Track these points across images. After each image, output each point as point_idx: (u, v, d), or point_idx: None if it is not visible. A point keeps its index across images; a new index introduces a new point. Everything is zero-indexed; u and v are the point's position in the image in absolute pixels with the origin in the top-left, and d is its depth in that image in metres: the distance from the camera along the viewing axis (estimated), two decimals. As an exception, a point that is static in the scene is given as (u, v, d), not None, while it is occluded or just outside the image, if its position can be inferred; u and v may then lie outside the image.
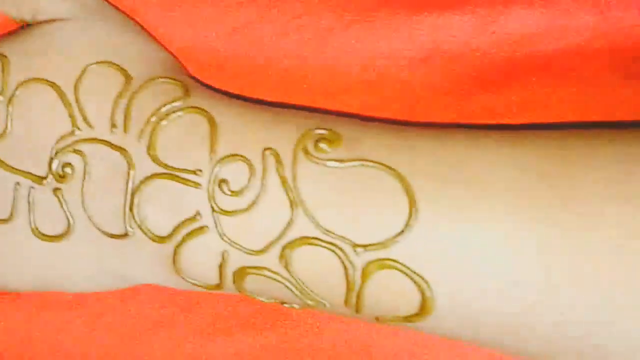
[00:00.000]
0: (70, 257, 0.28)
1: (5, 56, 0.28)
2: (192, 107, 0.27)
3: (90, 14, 0.29)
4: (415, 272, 0.24)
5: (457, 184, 0.24)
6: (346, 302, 0.25)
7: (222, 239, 0.25)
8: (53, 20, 0.28)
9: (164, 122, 0.26)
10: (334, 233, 0.24)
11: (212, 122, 0.26)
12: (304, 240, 0.25)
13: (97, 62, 0.27)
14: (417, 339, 0.30)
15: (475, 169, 0.24)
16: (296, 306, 0.26)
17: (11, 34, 0.29)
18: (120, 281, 0.28)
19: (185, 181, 0.26)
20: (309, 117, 0.27)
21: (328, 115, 0.27)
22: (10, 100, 0.27)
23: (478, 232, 0.23)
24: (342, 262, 0.24)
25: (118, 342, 0.31)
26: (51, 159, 0.27)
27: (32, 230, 0.27)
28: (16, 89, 0.27)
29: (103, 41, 0.28)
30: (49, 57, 0.28)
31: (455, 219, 0.24)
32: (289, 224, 0.25)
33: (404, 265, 0.24)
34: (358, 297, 0.25)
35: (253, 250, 0.25)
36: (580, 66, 0.29)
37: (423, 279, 0.24)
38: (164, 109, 0.26)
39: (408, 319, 0.25)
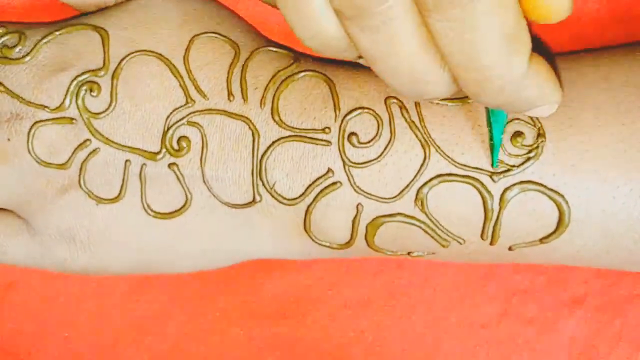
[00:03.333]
0: (184, 234, 0.27)
1: (105, 30, 0.27)
2: (307, 70, 0.27)
3: None
4: (551, 189, 0.25)
5: (567, 102, 0.26)
6: (482, 234, 0.26)
7: (356, 191, 0.26)
8: None
9: (283, 87, 0.27)
10: (469, 166, 0.25)
11: (329, 82, 0.27)
12: (439, 178, 0.26)
13: (203, 33, 0.27)
14: (425, 331, 0.31)
15: (577, 88, 0.26)
16: (423, 254, 0.27)
17: (104, 10, 0.28)
18: (232, 256, 0.28)
19: (314, 141, 0.26)
20: None
21: None
22: (114, 74, 0.27)
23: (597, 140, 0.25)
24: (480, 193, 0.26)
25: (128, 333, 0.31)
26: (164, 133, 0.26)
27: (144, 208, 0.27)
28: (120, 62, 0.27)
29: (200, 13, 0.28)
30: (152, 29, 0.27)
31: (573, 132, 0.25)
32: (423, 164, 0.26)
33: (541, 185, 0.25)
34: (495, 226, 0.26)
35: (388, 198, 0.26)
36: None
37: (559, 194, 0.25)
38: (280, 75, 0.27)
39: (544, 240, 0.26)
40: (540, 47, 0.23)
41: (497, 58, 0.20)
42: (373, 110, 0.26)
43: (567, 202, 0.25)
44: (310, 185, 0.26)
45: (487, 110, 0.25)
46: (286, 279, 0.31)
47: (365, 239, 0.27)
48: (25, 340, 0.31)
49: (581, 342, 0.31)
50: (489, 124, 0.25)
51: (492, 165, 0.25)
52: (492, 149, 0.25)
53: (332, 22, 0.21)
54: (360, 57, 0.23)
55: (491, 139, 0.25)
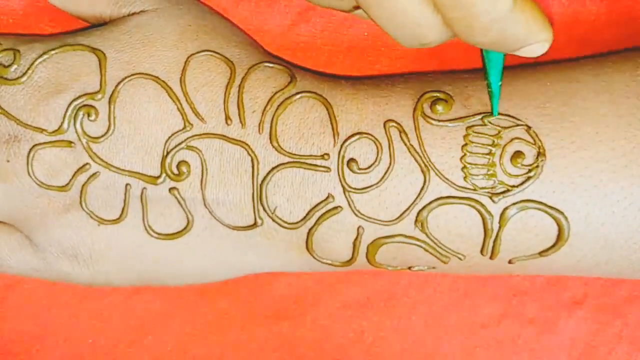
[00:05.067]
0: (186, 253, 0.27)
1: (102, 51, 0.27)
2: (304, 91, 0.27)
3: (174, 3, 0.28)
4: (551, 207, 0.25)
5: (568, 117, 0.26)
6: (482, 250, 0.26)
7: (357, 215, 0.26)
8: (140, 13, 0.28)
9: (280, 110, 0.26)
10: (468, 188, 0.25)
11: (327, 105, 0.27)
12: (439, 201, 0.26)
13: (199, 52, 0.27)
14: (425, 331, 0.31)
15: (578, 101, 0.26)
16: (424, 269, 0.27)
17: (100, 29, 0.28)
18: (234, 272, 0.29)
19: (313, 167, 0.26)
20: (418, 81, 0.27)
21: (436, 75, 0.28)
22: (111, 98, 0.26)
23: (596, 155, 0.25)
24: (480, 213, 0.26)
25: (128, 333, 0.32)
26: (164, 158, 0.26)
27: (146, 229, 0.27)
28: (117, 85, 0.26)
29: (195, 29, 0.27)
30: (149, 51, 0.27)
31: (574, 149, 0.25)
32: (423, 188, 0.26)
33: (541, 203, 0.25)
34: (495, 243, 0.26)
35: (388, 221, 0.26)
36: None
37: (559, 211, 0.25)
38: (278, 97, 0.27)
39: (543, 253, 0.26)
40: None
41: None
42: (372, 135, 0.26)
43: (566, 218, 0.25)
44: (311, 210, 0.26)
45: (483, 56, 0.25)
46: (286, 280, 0.31)
47: (367, 257, 0.27)
48: (26, 340, 0.32)
49: (581, 342, 0.31)
50: (486, 70, 0.25)
51: (492, 113, 0.26)
52: (491, 96, 0.25)
53: None
54: (355, 7, 0.23)
55: (489, 86, 0.25)
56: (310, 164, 0.26)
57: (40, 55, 0.27)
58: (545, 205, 0.25)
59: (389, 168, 0.26)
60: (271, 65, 0.27)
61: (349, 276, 0.31)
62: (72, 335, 0.32)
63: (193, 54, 0.27)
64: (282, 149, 0.26)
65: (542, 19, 0.22)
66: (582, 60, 0.28)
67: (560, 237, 0.26)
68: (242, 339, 0.31)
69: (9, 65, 0.27)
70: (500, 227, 0.26)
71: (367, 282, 0.31)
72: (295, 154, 0.26)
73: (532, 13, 0.21)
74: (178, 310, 0.31)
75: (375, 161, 0.26)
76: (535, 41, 0.22)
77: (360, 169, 0.26)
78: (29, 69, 0.27)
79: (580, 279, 0.31)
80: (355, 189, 0.26)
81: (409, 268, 0.27)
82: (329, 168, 0.26)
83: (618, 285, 0.31)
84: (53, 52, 0.27)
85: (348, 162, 0.26)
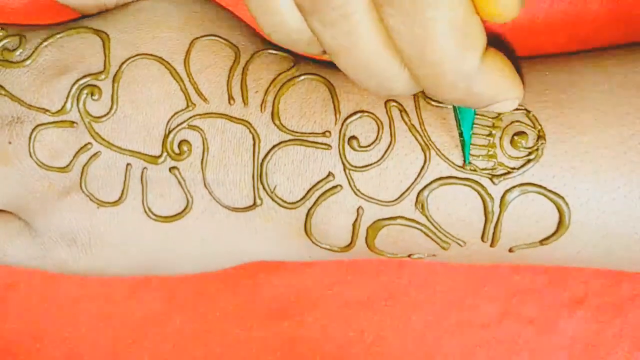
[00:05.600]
0: (185, 237, 0.27)
1: (106, 33, 0.27)
2: (306, 73, 0.27)
3: None
4: (552, 191, 0.25)
5: (567, 104, 0.26)
6: (483, 236, 0.26)
7: (357, 194, 0.26)
8: None
9: (283, 91, 0.27)
10: (469, 169, 0.25)
11: (329, 85, 0.27)
12: (440, 181, 0.26)
13: (203, 36, 0.27)
14: (425, 331, 0.31)
15: (577, 89, 0.26)
16: (423, 256, 0.27)
17: (104, 13, 0.28)
18: (232, 258, 0.28)
19: (314, 144, 0.26)
20: None
21: None
22: (115, 78, 0.27)
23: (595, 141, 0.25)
24: (480, 195, 0.26)
25: (128, 333, 0.31)
26: (165, 137, 0.26)
27: (145, 211, 0.27)
28: (121, 66, 0.27)
29: (200, 16, 0.28)
30: (153, 32, 0.27)
31: (574, 134, 0.25)
32: (423, 167, 0.26)
33: (541, 187, 0.25)
34: (495, 228, 0.26)
35: (388, 201, 0.26)
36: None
37: (559, 195, 0.25)
38: (281, 79, 0.27)
39: (544, 241, 0.26)
40: (502, 47, 0.24)
41: (447, 53, 0.20)
42: (373, 114, 0.26)
43: (567, 204, 0.25)
44: (310, 189, 0.26)
45: (454, 107, 0.25)
46: (286, 279, 0.31)
47: (366, 241, 0.27)
48: (26, 340, 0.32)
49: (581, 342, 0.31)
50: (457, 120, 0.25)
51: (464, 162, 0.26)
52: (463, 145, 0.25)
53: (294, 16, 0.22)
54: (324, 52, 0.23)
55: (461, 135, 0.25)
56: (312, 142, 0.26)
57: (45, 39, 0.27)
58: (546, 189, 0.25)
59: (389, 146, 0.26)
60: (275, 52, 0.28)
61: (349, 276, 0.31)
62: (72, 335, 0.31)
63: (198, 38, 0.27)
64: (283, 127, 0.26)
65: (512, 75, 0.22)
66: (581, 54, 0.28)
67: (561, 224, 0.26)
68: (242, 339, 0.31)
69: (14, 50, 0.27)
70: (500, 211, 0.26)
71: (367, 281, 0.31)
72: (296, 132, 0.26)
73: (502, 70, 0.21)
74: (178, 310, 0.31)
75: (376, 139, 0.26)
76: (504, 99, 0.22)
77: (361, 146, 0.26)
78: (33, 52, 0.27)
79: (580, 278, 0.31)
80: (355, 167, 0.26)
81: (409, 256, 0.27)
82: (329, 145, 0.26)
83: (618, 284, 0.31)
84: (58, 35, 0.27)
85: (349, 139, 0.26)
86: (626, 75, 0.26)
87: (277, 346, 0.31)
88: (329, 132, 0.26)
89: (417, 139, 0.26)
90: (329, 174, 0.26)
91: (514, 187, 0.25)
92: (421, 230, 0.26)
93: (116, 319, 0.32)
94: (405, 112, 0.26)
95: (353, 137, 0.26)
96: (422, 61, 0.21)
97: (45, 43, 0.27)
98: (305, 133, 0.26)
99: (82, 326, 0.32)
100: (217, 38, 0.27)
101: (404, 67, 0.22)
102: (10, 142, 0.27)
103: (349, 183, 0.26)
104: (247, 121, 0.26)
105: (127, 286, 0.31)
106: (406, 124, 0.26)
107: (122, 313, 0.31)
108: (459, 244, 0.26)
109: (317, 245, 0.27)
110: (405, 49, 0.21)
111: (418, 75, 0.21)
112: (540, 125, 0.26)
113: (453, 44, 0.20)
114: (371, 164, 0.26)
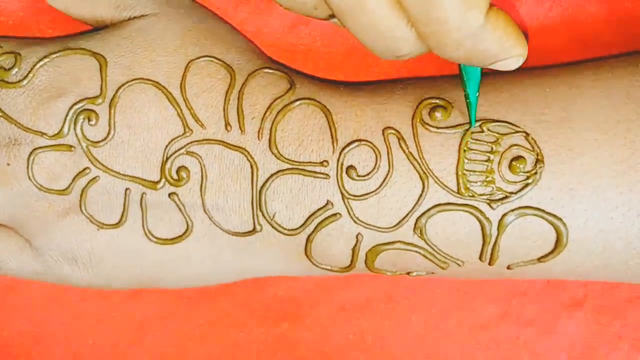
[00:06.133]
0: (185, 258, 0.28)
1: (103, 56, 0.27)
2: (303, 98, 0.27)
3: (175, 7, 0.28)
4: (550, 213, 0.25)
5: (567, 123, 0.26)
6: (481, 256, 0.26)
7: (356, 222, 0.26)
8: (141, 17, 0.28)
9: (280, 117, 0.27)
10: (467, 195, 0.25)
11: (326, 112, 0.27)
12: (438, 207, 0.26)
13: (199, 57, 0.27)
14: (424, 332, 0.31)
15: (578, 106, 0.26)
16: (422, 274, 0.28)
17: (101, 33, 0.28)
18: (233, 277, 0.29)
19: (313, 174, 0.26)
20: (417, 88, 0.27)
21: (435, 82, 0.28)
22: (112, 103, 0.26)
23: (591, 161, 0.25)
24: (478, 220, 0.26)
25: (128, 333, 0.32)
26: (163, 163, 0.26)
27: (145, 234, 0.27)
28: (117, 90, 0.26)
29: (196, 34, 0.28)
30: (149, 56, 0.27)
31: (573, 155, 0.25)
32: (421, 195, 0.26)
33: (539, 209, 0.25)
34: (493, 249, 0.26)
35: (387, 228, 0.26)
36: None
37: (557, 217, 0.25)
38: (277, 104, 0.27)
39: (542, 259, 0.26)
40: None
41: (452, 11, 0.20)
42: (371, 143, 0.26)
43: (565, 225, 0.25)
44: (310, 216, 0.26)
45: (460, 67, 0.25)
46: (286, 281, 0.31)
47: (366, 263, 0.27)
48: (26, 340, 0.32)
49: (581, 343, 0.31)
50: (463, 82, 0.25)
51: (470, 124, 0.26)
52: (469, 107, 0.25)
53: None
54: (331, 16, 0.23)
55: (466, 97, 0.25)
56: (310, 171, 0.26)
57: (41, 59, 0.27)
58: (544, 211, 0.25)
59: (387, 175, 0.26)
60: (271, 71, 0.27)
61: (348, 278, 0.31)
62: (72, 335, 0.32)
63: (193, 60, 0.27)
64: (281, 155, 0.26)
65: (515, 34, 0.22)
66: (581, 65, 0.28)
67: (558, 243, 0.26)
68: (242, 340, 0.31)
69: (10, 69, 0.27)
70: (498, 234, 0.26)
71: (366, 283, 0.31)
72: (294, 161, 0.26)
73: (505, 28, 0.21)
74: (178, 311, 0.32)
75: (374, 168, 0.26)
76: (509, 56, 0.22)
77: (359, 176, 0.26)
78: (29, 72, 0.27)
79: (579, 281, 0.31)
80: (354, 195, 0.26)
81: (408, 273, 0.28)
82: (328, 175, 0.26)
83: (617, 286, 0.31)
84: (54, 55, 0.27)
85: (347, 169, 0.26)
86: (626, 89, 0.26)
87: (277, 347, 0.31)
88: (327, 161, 0.26)
89: (415, 167, 0.26)
90: (328, 202, 0.26)
91: (512, 210, 0.25)
92: (419, 252, 0.26)
93: (116, 319, 0.32)
94: (403, 139, 0.26)
95: (351, 167, 0.26)
96: (428, 20, 0.21)
97: (41, 62, 0.27)
98: (303, 162, 0.26)
99: (82, 327, 0.32)
100: (212, 59, 0.27)
101: (410, 26, 0.22)
102: (8, 164, 0.27)
103: (348, 211, 0.26)
104: (244, 149, 0.26)
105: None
106: (404, 152, 0.26)
107: (123, 313, 0.32)
108: (457, 264, 0.27)
109: (317, 266, 0.27)
110: (412, 8, 0.21)
111: (424, 34, 0.21)
112: (539, 147, 0.25)
113: (457, 2, 0.20)
114: (369, 193, 0.26)
